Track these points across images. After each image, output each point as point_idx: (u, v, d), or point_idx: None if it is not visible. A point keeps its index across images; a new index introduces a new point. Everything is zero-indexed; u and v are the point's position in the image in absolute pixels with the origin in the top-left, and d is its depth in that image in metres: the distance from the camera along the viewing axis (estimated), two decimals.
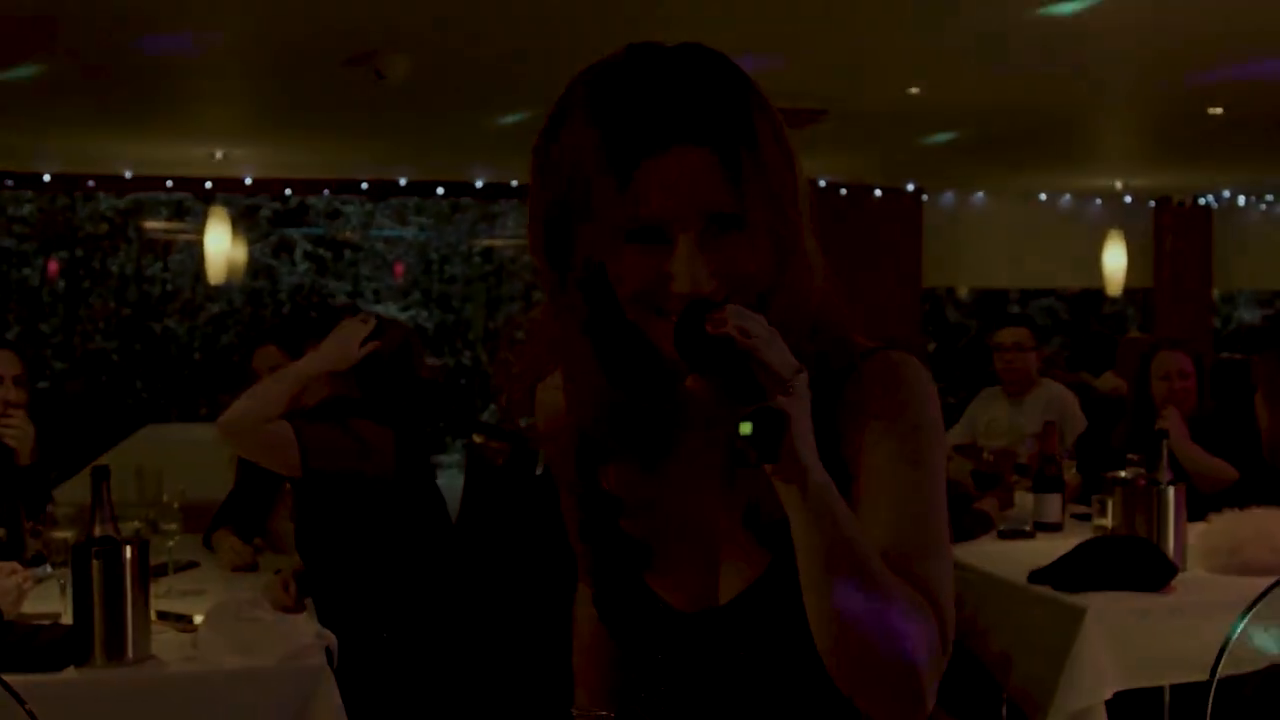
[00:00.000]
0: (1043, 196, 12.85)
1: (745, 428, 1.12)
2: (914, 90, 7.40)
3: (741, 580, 1.35)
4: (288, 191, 11.60)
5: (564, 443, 1.45)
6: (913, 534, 1.28)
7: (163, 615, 3.10)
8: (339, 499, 3.62)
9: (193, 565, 3.88)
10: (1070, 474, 4.73)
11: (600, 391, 1.35)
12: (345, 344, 3.59)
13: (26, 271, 11.51)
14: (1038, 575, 3.55)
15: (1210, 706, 1.41)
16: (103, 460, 3.43)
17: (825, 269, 1.32)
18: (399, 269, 12.37)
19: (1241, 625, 1.37)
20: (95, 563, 2.74)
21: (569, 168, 1.26)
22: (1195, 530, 3.79)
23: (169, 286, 11.72)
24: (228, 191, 11.12)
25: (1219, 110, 8.05)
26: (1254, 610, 1.32)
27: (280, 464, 3.56)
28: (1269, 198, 13.32)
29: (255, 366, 4.37)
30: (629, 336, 1.31)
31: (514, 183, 11.54)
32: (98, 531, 2.76)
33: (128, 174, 10.88)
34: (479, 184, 11.68)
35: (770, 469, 1.17)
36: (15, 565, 3.19)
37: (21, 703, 2.01)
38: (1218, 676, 1.39)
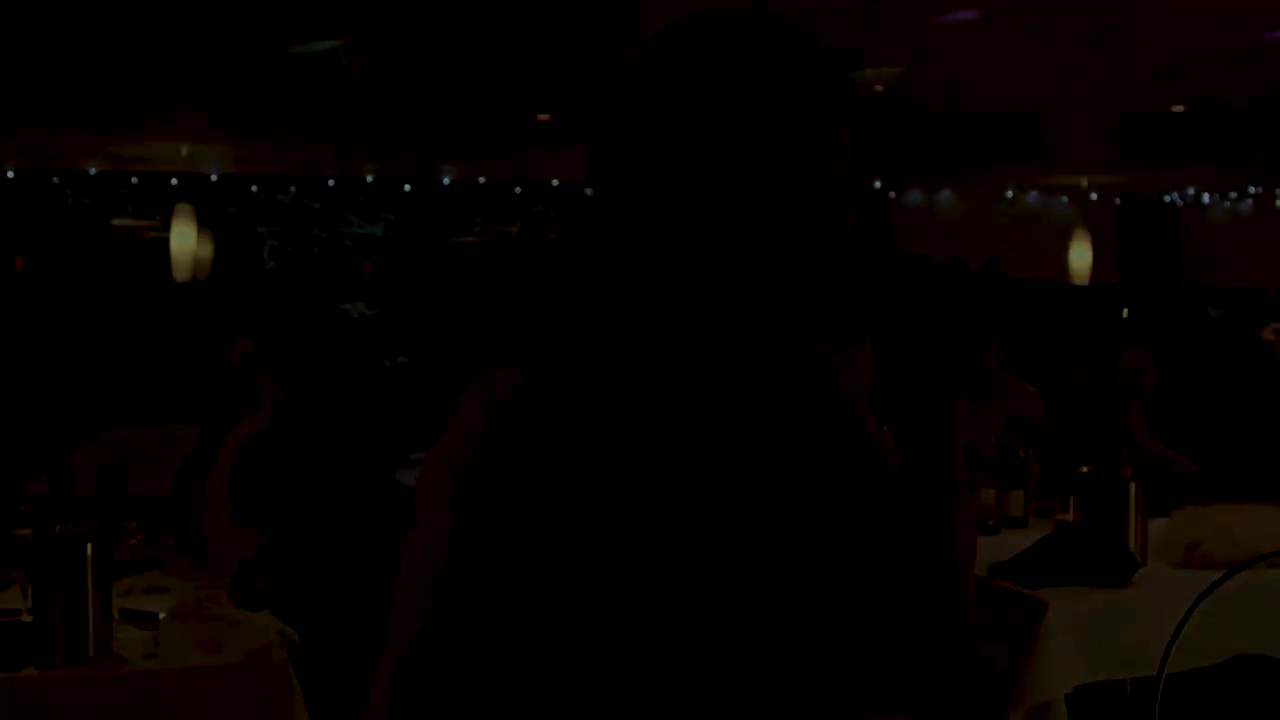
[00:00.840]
0: (1009, 194, 12.92)
1: None
2: (878, 88, 7.43)
3: (741, 564, 1.26)
4: (254, 188, 11.55)
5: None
6: None
7: (125, 614, 3.08)
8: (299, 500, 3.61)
9: (155, 564, 3.86)
10: (1032, 468, 4.74)
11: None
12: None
13: None
14: (999, 569, 3.57)
15: (1158, 702, 1.42)
16: (69, 460, 3.42)
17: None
18: (368, 266, 12.33)
19: (1188, 620, 1.39)
20: (56, 560, 2.73)
21: (756, 131, 1.20)
22: (1156, 525, 3.82)
23: (135, 283, 11.65)
24: (194, 188, 11.06)
25: (1181, 108, 8.11)
26: (1202, 604, 1.34)
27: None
28: (1233, 195, 13.42)
29: (230, 359, 4.35)
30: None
31: (481, 179, 11.52)
32: (59, 529, 2.75)
33: (93, 171, 10.82)
34: (446, 181, 11.65)
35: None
36: None
37: None
38: (1165, 671, 1.41)
